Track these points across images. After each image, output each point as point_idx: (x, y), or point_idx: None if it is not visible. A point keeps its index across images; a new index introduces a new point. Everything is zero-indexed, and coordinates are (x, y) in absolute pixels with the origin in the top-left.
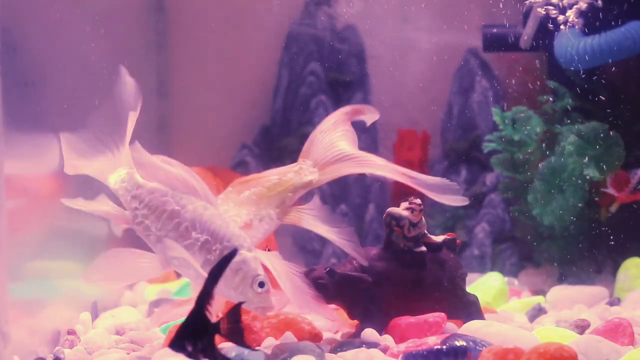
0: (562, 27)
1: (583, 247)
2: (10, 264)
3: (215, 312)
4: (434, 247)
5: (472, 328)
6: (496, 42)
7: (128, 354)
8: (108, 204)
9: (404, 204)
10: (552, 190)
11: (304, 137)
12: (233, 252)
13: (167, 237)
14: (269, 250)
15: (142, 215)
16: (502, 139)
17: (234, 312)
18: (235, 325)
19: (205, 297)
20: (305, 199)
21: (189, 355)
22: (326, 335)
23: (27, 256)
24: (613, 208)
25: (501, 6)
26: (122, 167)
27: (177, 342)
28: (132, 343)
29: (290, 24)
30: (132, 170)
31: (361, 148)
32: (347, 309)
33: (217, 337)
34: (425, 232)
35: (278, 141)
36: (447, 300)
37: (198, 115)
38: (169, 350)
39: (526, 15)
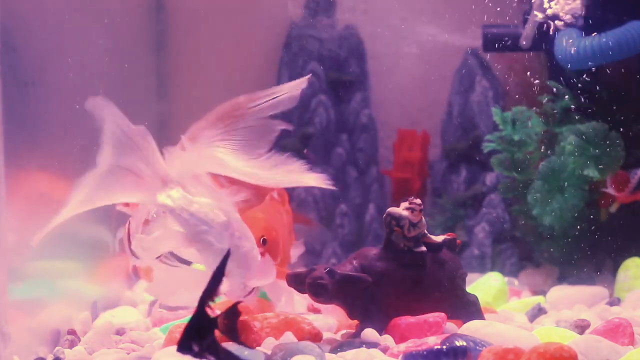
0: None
1: (583, 247)
2: (11, 264)
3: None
4: (434, 247)
5: (472, 328)
6: (496, 42)
7: (128, 354)
8: (171, 238)
9: (404, 204)
10: (552, 190)
11: (304, 137)
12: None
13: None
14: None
15: (203, 232)
16: (502, 139)
17: (232, 310)
18: (232, 323)
19: (208, 296)
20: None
21: (195, 355)
22: (326, 335)
23: (27, 256)
24: (613, 208)
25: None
26: (166, 184)
27: (184, 344)
28: (132, 343)
29: (291, 24)
30: (179, 186)
31: (362, 148)
32: (347, 309)
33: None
34: (425, 232)
35: (278, 141)
36: (447, 300)
37: (198, 115)
38: (170, 350)
39: (526, 15)
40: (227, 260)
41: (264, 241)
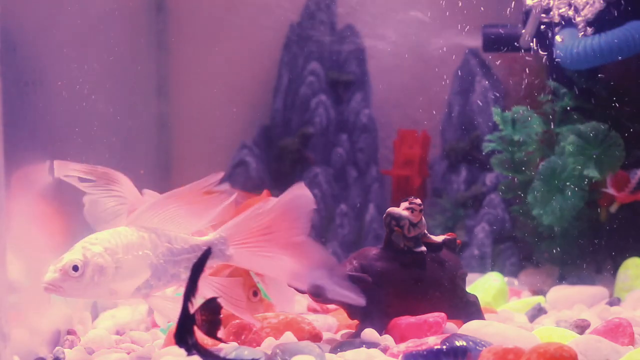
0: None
1: (583, 247)
2: (10, 264)
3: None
4: (434, 247)
5: (472, 328)
6: (496, 42)
7: (128, 354)
8: None
9: (404, 204)
10: (552, 190)
11: (304, 137)
12: (208, 252)
13: None
14: None
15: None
16: (502, 139)
17: (210, 304)
18: (211, 319)
19: (189, 293)
20: None
21: (187, 349)
22: (326, 335)
23: (27, 256)
24: (613, 208)
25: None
26: None
27: (179, 338)
28: (132, 343)
29: (291, 24)
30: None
31: (362, 148)
32: (347, 309)
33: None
34: (425, 232)
35: (278, 141)
36: (447, 300)
37: (198, 115)
38: (170, 350)
39: (526, 15)
40: (207, 257)
41: None
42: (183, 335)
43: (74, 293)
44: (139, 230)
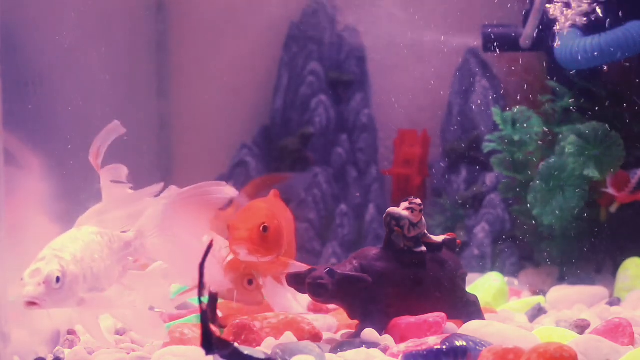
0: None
1: (583, 247)
2: (10, 264)
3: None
4: (434, 247)
5: (472, 328)
6: (496, 42)
7: (128, 354)
8: None
9: (404, 204)
10: (552, 190)
11: (304, 137)
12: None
13: None
14: None
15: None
16: (502, 139)
17: (211, 299)
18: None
19: (201, 292)
20: None
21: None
22: (326, 335)
23: (27, 256)
24: (613, 208)
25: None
26: None
27: (207, 345)
28: (132, 343)
29: (291, 24)
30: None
31: (362, 148)
32: (347, 309)
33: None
34: (425, 232)
35: (278, 141)
36: (447, 300)
37: (198, 115)
38: (170, 350)
39: (526, 15)
40: (208, 254)
41: (265, 228)
42: (208, 339)
43: (53, 305)
44: (89, 233)
